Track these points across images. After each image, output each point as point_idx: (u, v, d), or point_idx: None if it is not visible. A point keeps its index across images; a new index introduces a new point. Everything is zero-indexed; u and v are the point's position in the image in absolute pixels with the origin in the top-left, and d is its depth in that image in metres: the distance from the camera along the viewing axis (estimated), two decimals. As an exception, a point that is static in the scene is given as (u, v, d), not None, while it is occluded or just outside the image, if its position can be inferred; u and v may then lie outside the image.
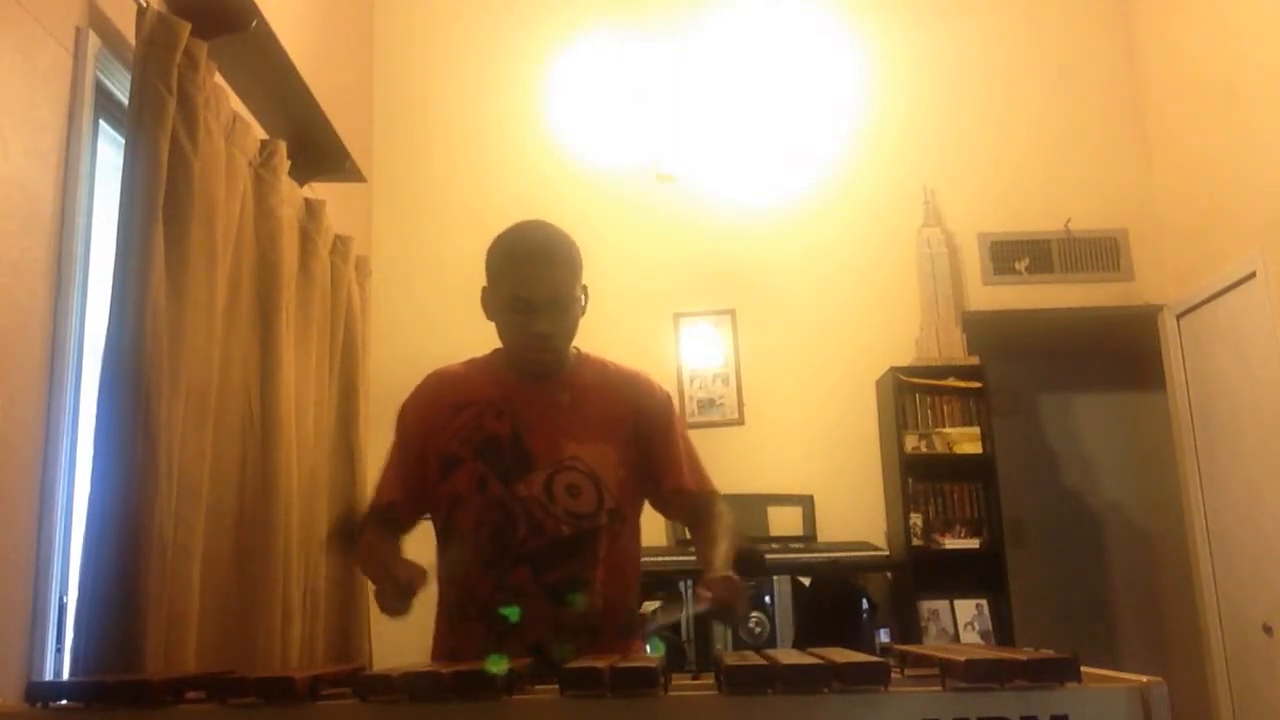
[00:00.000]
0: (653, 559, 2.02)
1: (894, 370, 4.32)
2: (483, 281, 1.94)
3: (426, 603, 2.08)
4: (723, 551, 1.82)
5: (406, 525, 1.99)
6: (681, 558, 3.96)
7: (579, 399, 1.94)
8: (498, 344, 1.98)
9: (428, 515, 1.99)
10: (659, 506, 2.04)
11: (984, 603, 4.12)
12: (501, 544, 1.86)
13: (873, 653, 1.77)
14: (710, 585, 1.72)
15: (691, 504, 2.00)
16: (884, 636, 4.00)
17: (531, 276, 1.85)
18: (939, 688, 1.30)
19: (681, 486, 1.97)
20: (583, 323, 1.97)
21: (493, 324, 1.94)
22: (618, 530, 1.91)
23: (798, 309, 4.63)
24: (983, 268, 4.70)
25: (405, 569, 1.75)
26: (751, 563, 1.78)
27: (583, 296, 1.92)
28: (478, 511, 1.88)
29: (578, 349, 2.01)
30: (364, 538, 1.98)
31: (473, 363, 2.03)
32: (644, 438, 1.96)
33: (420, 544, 1.99)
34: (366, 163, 4.34)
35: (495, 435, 1.90)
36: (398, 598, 1.71)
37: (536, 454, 1.88)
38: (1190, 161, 4.46)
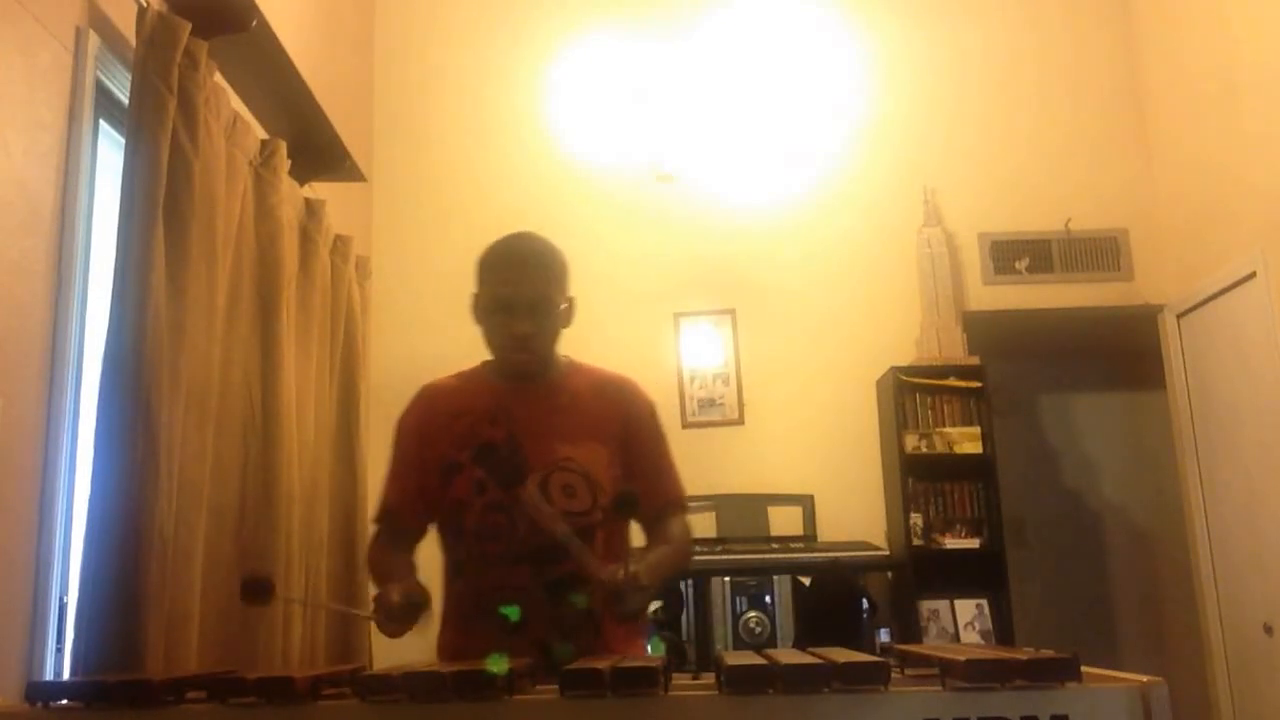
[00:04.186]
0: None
1: (894, 370, 4.31)
2: None
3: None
4: (656, 561, 1.89)
5: (414, 533, 2.05)
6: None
7: (571, 403, 2.02)
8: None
9: (433, 521, 2.04)
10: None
11: (984, 603, 4.12)
12: (503, 544, 1.92)
13: (873, 653, 1.78)
14: (616, 572, 1.75)
15: (660, 511, 2.06)
16: (884, 636, 4.00)
17: (513, 278, 1.95)
18: (939, 688, 1.30)
19: (665, 498, 2.06)
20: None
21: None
22: (611, 526, 1.97)
23: (798, 309, 4.63)
24: (983, 267, 4.70)
25: (401, 593, 1.78)
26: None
27: (566, 305, 1.99)
28: (479, 514, 1.94)
29: (569, 357, 2.09)
30: (372, 554, 2.07)
31: (462, 375, 2.10)
32: (631, 443, 2.03)
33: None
34: (366, 163, 4.34)
35: (491, 441, 1.97)
36: (388, 620, 1.76)
37: (531, 458, 1.95)
38: (1190, 161, 4.46)
